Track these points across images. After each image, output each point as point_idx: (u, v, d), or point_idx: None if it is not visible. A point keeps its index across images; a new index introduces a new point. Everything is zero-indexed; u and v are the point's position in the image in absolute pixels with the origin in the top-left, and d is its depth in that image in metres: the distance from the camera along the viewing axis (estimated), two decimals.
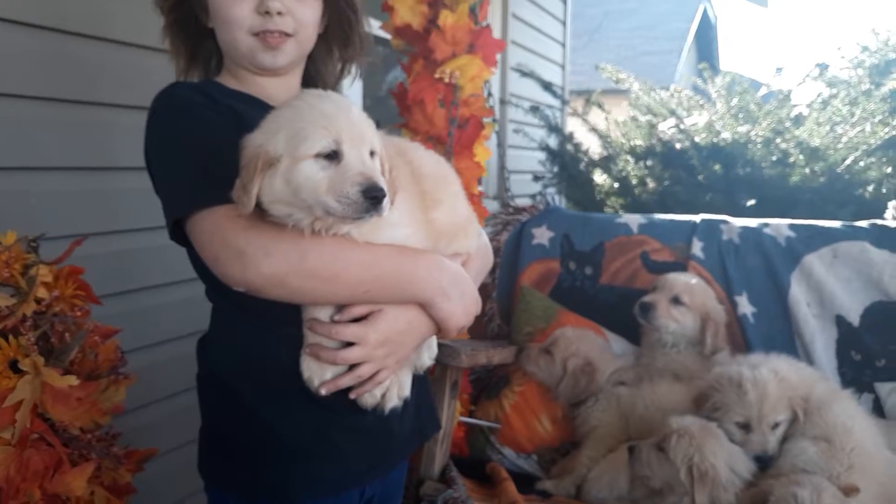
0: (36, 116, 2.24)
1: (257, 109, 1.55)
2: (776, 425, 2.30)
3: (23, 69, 2.20)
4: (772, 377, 2.31)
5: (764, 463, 2.27)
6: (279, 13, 1.56)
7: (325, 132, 1.29)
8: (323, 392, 1.43)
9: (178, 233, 1.45)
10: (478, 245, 1.69)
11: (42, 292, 1.71)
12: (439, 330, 1.54)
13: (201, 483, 1.61)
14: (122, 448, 1.86)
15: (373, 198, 1.26)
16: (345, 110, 1.34)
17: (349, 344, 1.43)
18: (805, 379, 2.38)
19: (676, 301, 2.64)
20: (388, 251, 1.42)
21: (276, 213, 1.32)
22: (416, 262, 1.46)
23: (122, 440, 1.89)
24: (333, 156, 1.29)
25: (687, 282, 2.69)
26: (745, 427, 2.30)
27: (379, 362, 1.46)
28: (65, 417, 1.71)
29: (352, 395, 1.46)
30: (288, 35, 1.60)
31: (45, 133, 2.27)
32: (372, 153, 1.34)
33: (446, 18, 2.63)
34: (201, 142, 1.44)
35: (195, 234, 1.41)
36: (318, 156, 1.29)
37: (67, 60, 2.32)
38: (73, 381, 1.67)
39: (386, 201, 1.27)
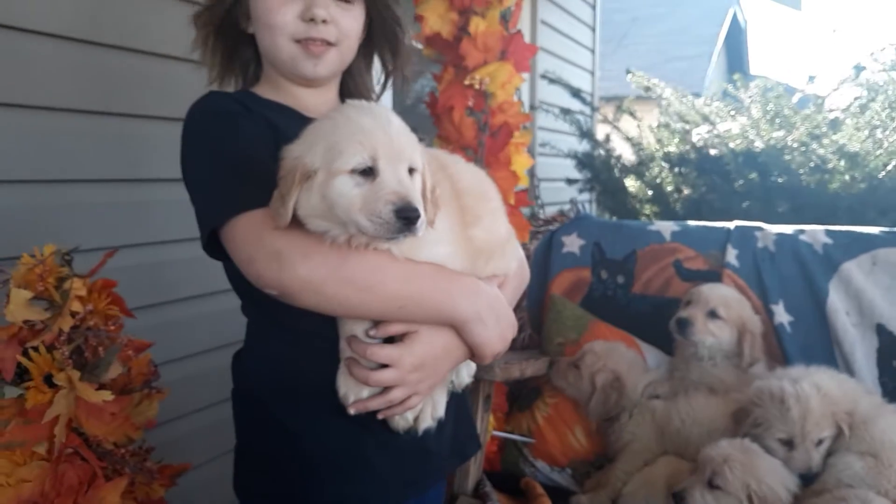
0: (69, 128, 2.26)
1: (292, 120, 1.55)
2: (820, 442, 2.25)
3: (56, 81, 2.22)
4: (815, 392, 2.25)
5: (808, 480, 2.21)
6: (323, 21, 1.56)
7: (360, 147, 1.27)
8: (352, 411, 1.41)
9: (213, 245, 1.43)
10: (517, 266, 1.65)
11: (76, 306, 1.71)
12: (473, 355, 1.51)
13: (233, 497, 1.61)
14: (155, 463, 1.86)
15: (405, 218, 1.23)
16: (383, 124, 1.30)
17: (383, 365, 1.40)
18: (848, 393, 2.32)
19: (713, 315, 2.57)
20: (426, 269, 1.39)
21: (314, 228, 1.30)
22: (452, 283, 1.43)
23: (154, 454, 1.88)
24: (369, 172, 1.27)
25: (723, 294, 2.63)
26: (789, 444, 2.25)
27: (412, 387, 1.43)
28: (98, 432, 1.71)
29: (380, 416, 1.44)
30: (330, 44, 1.59)
31: (77, 145, 2.29)
32: (412, 170, 1.31)
33: (478, 26, 2.62)
34: (236, 151, 1.43)
35: (230, 238, 1.39)
36: (353, 171, 1.26)
37: (100, 72, 2.34)
38: (107, 395, 1.66)
39: (421, 222, 1.24)
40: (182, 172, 1.55)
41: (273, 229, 1.32)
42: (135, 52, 2.43)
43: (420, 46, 2.79)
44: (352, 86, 1.78)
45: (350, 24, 1.61)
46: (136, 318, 1.92)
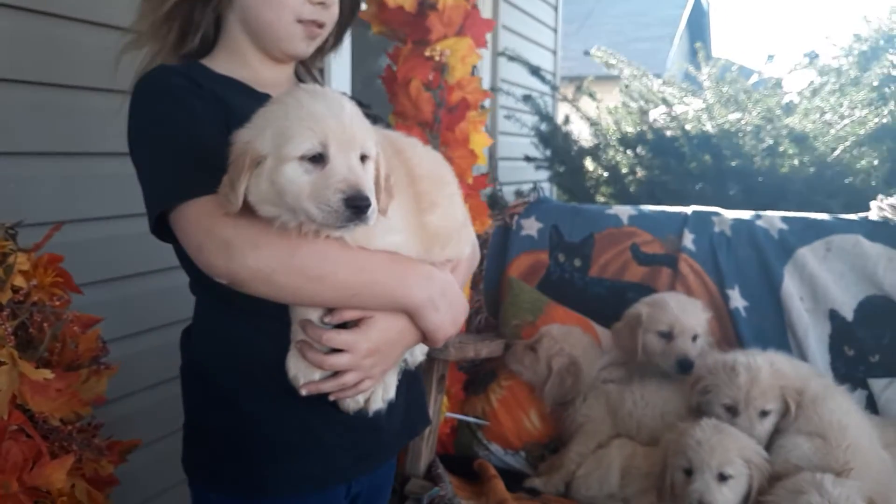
0: (13, 100, 2.19)
1: (244, 96, 1.53)
2: (765, 413, 2.29)
3: None
4: (766, 365, 2.31)
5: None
6: (327, 5, 1.58)
7: (310, 133, 1.24)
8: (304, 392, 1.40)
9: (161, 227, 1.40)
10: (470, 250, 1.65)
11: (19, 281, 1.67)
12: (426, 339, 1.51)
13: (184, 474, 1.59)
14: (104, 439, 1.82)
15: (355, 207, 1.21)
16: (335, 110, 1.28)
17: (337, 349, 1.39)
18: (800, 374, 2.37)
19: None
20: (379, 257, 1.38)
21: (265, 214, 1.28)
22: (405, 271, 1.41)
23: (104, 431, 1.85)
24: (318, 159, 1.24)
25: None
26: (732, 410, 2.30)
27: (365, 371, 1.42)
28: (44, 409, 1.68)
29: (331, 398, 1.43)
30: (322, 27, 1.61)
31: (21, 116, 2.21)
32: (364, 157, 1.29)
33: (446, 0, 2.59)
34: (185, 131, 1.40)
35: (179, 224, 1.36)
36: (302, 158, 1.23)
37: (45, 42, 2.27)
38: (47, 374, 1.63)
39: (371, 210, 1.22)
40: (129, 149, 1.51)
41: (223, 217, 1.29)
42: (80, 21, 2.35)
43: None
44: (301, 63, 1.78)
45: (338, 9, 1.63)
46: (85, 293, 1.88)
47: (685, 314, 2.56)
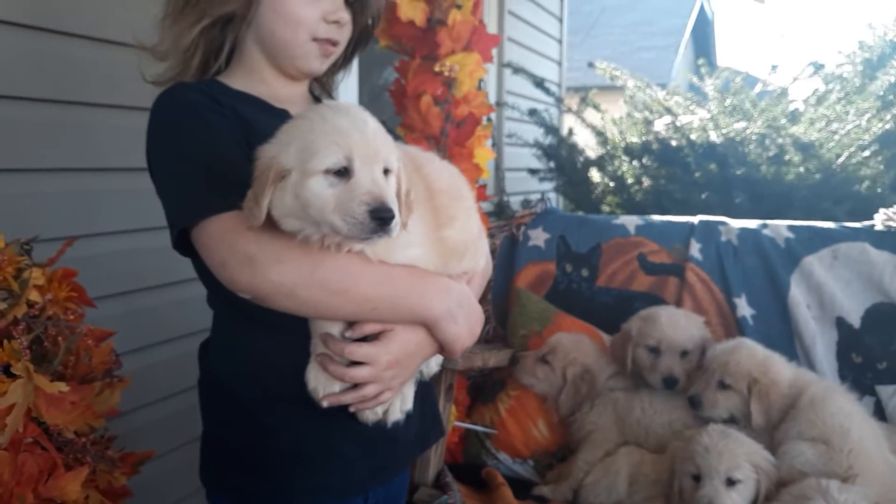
0: (27, 117, 2.22)
1: (263, 112, 1.55)
2: (724, 386, 2.39)
3: (14, 69, 2.17)
4: (743, 348, 2.43)
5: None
6: (342, 24, 1.61)
7: (335, 147, 1.26)
8: (324, 404, 1.42)
9: (182, 243, 1.42)
10: (485, 262, 1.67)
11: (34, 295, 1.69)
12: (443, 349, 1.53)
13: (198, 485, 1.60)
14: (117, 451, 1.84)
15: (380, 219, 1.23)
16: (359, 125, 1.30)
17: (357, 361, 1.41)
18: (801, 378, 2.39)
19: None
20: (399, 271, 1.40)
21: (288, 227, 1.30)
22: (424, 284, 1.44)
23: (118, 443, 1.87)
24: (343, 172, 1.26)
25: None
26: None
27: (385, 383, 1.44)
28: (59, 421, 1.69)
29: (351, 409, 1.44)
30: (336, 45, 1.63)
31: (36, 134, 2.24)
32: (387, 171, 1.31)
33: (455, 15, 2.62)
34: (206, 147, 1.42)
35: (201, 241, 1.38)
36: (327, 172, 1.25)
37: (59, 60, 2.30)
38: (62, 387, 1.64)
39: (395, 223, 1.24)
40: (149, 166, 1.53)
41: (245, 232, 1.31)
42: (94, 40, 2.38)
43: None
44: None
45: (351, 28, 1.66)
46: (98, 307, 1.90)
47: (674, 329, 2.55)
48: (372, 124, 1.32)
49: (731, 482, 2.14)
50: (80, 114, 2.37)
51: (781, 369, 2.40)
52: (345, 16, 1.61)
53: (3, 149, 2.15)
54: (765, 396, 2.35)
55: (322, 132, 1.28)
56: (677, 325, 2.58)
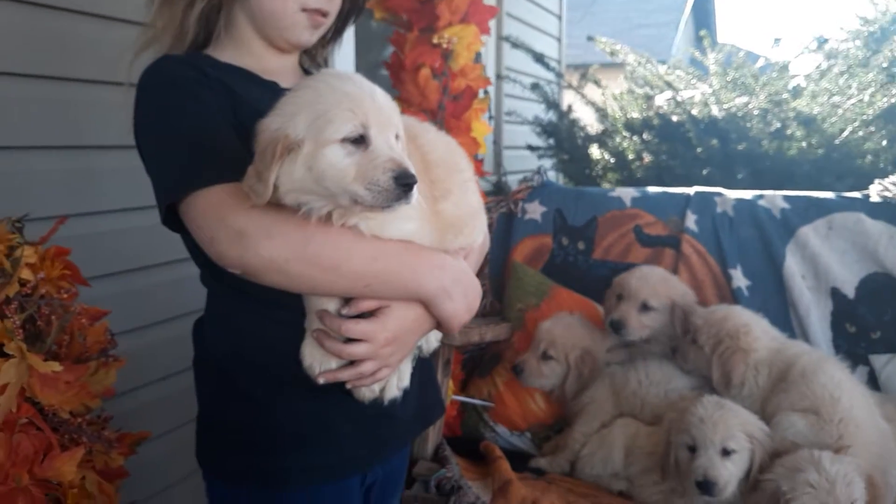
0: (18, 94, 2.20)
1: (251, 84, 1.54)
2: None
3: (5, 45, 2.15)
4: (728, 308, 2.53)
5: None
6: None
7: (350, 115, 1.23)
8: (321, 381, 1.40)
9: (172, 218, 1.41)
10: (483, 238, 1.65)
11: (27, 274, 1.69)
12: (440, 326, 1.51)
13: (195, 466, 1.59)
14: (113, 431, 1.84)
15: (405, 185, 1.21)
16: (368, 92, 1.28)
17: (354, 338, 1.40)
18: (792, 349, 2.41)
19: (645, 307, 2.62)
20: (393, 246, 1.37)
21: (291, 202, 1.27)
22: (419, 260, 1.41)
23: (114, 423, 1.87)
24: (360, 140, 1.24)
25: (649, 284, 2.65)
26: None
27: (383, 360, 1.42)
28: (54, 401, 1.69)
29: (348, 386, 1.43)
30: (326, 15, 1.61)
31: (28, 111, 2.23)
32: (397, 137, 1.29)
33: None
34: (193, 120, 1.40)
35: (190, 215, 1.36)
36: (344, 140, 1.23)
37: (52, 36, 2.28)
38: (56, 366, 1.64)
39: (415, 189, 1.22)
40: (136, 141, 1.52)
41: (235, 206, 1.29)
42: (81, 14, 2.37)
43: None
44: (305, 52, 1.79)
45: None
46: (92, 286, 1.89)
47: (641, 283, 2.65)
48: (379, 90, 1.31)
49: (725, 452, 2.15)
50: (72, 90, 2.35)
51: (758, 337, 2.41)
52: None
53: None
54: (727, 360, 2.40)
55: (334, 100, 1.25)
56: (645, 280, 2.65)
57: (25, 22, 2.21)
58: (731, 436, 2.15)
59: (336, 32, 1.80)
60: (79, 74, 2.36)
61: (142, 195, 1.54)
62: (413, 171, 1.23)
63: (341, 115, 1.23)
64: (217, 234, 1.32)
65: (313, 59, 1.83)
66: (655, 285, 2.64)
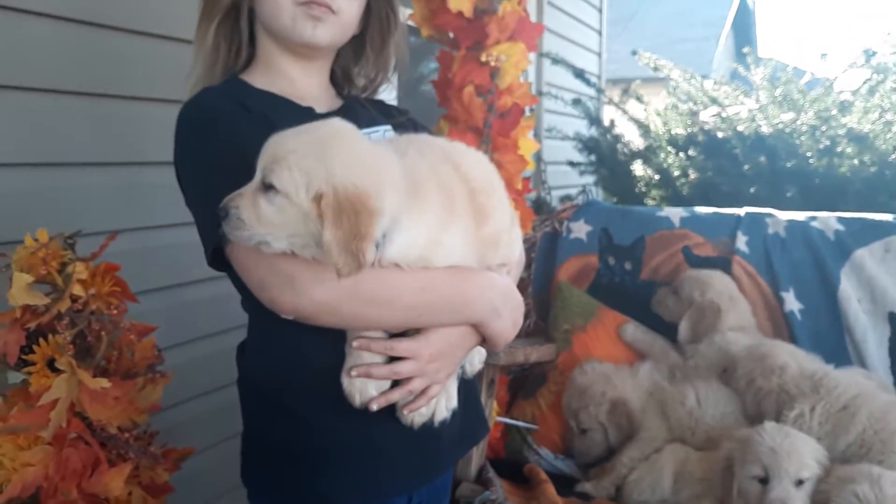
0: (69, 111, 2.23)
1: (288, 111, 1.53)
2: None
3: (55, 63, 2.18)
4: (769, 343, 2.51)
5: None
6: None
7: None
8: (374, 407, 1.39)
9: (217, 258, 1.41)
10: (519, 251, 1.64)
11: (78, 289, 1.70)
12: (484, 341, 1.51)
13: (237, 482, 1.59)
14: (159, 447, 1.85)
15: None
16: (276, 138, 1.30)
17: (399, 358, 1.39)
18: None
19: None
20: (440, 274, 1.37)
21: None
22: (468, 283, 1.42)
23: (158, 438, 1.87)
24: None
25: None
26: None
27: (431, 377, 1.42)
28: (102, 416, 1.70)
29: (404, 412, 1.42)
30: (331, 11, 1.57)
31: (78, 128, 2.26)
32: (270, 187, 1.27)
33: (506, 6, 2.59)
34: (238, 159, 1.37)
35: (238, 259, 1.37)
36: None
37: (102, 54, 2.31)
38: (104, 383, 1.65)
39: (226, 225, 1.27)
40: (178, 178, 1.52)
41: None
42: (133, 32, 2.40)
43: (410, 24, 2.73)
44: (340, 73, 1.78)
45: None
46: (140, 302, 1.90)
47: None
48: (293, 139, 1.29)
49: (799, 482, 2.10)
50: (122, 107, 2.38)
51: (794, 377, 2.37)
52: None
53: (46, 143, 2.17)
54: (761, 400, 2.38)
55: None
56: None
57: (76, 40, 2.24)
58: (804, 465, 2.10)
59: (361, 49, 1.76)
60: (128, 91, 2.39)
61: (187, 211, 1.53)
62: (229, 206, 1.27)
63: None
64: (267, 280, 1.33)
65: (350, 82, 1.80)
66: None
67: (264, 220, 1.26)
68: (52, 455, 1.63)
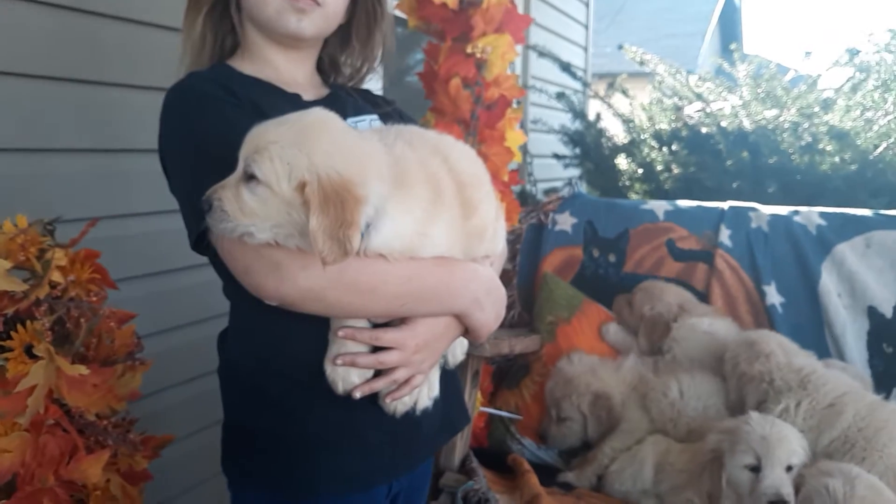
0: (50, 97, 2.21)
1: (275, 98, 1.52)
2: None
3: (38, 49, 2.16)
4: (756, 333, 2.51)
5: None
6: None
7: None
8: (357, 395, 1.40)
9: (201, 244, 1.41)
10: (503, 244, 1.66)
11: (57, 276, 1.68)
12: (467, 332, 1.53)
13: (217, 469, 1.59)
14: (138, 434, 1.83)
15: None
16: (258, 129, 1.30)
17: (383, 348, 1.40)
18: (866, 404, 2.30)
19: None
20: (425, 264, 1.38)
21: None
22: (452, 274, 1.43)
23: (137, 426, 1.86)
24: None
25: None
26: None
27: (416, 367, 1.43)
28: (80, 403, 1.69)
29: (387, 400, 1.43)
30: (316, 3, 1.56)
31: (58, 114, 2.23)
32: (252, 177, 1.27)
33: None
34: (222, 144, 1.37)
35: (223, 245, 1.36)
36: None
37: (82, 40, 2.29)
38: (83, 370, 1.64)
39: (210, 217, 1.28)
40: (162, 162, 1.52)
41: None
42: (114, 18, 2.37)
43: (398, 14, 2.71)
44: (328, 61, 1.77)
45: None
46: (120, 289, 1.88)
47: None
48: (274, 129, 1.29)
49: (788, 469, 2.12)
50: (103, 94, 2.36)
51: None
52: None
53: (26, 128, 2.15)
54: (742, 387, 2.40)
55: None
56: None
57: (55, 25, 2.21)
58: (793, 451, 2.13)
59: (348, 38, 1.76)
60: (109, 78, 2.37)
61: (170, 199, 1.53)
62: (213, 198, 1.28)
63: None
64: (252, 266, 1.32)
65: (335, 64, 1.80)
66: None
67: (247, 210, 1.26)
68: (30, 441, 1.62)
